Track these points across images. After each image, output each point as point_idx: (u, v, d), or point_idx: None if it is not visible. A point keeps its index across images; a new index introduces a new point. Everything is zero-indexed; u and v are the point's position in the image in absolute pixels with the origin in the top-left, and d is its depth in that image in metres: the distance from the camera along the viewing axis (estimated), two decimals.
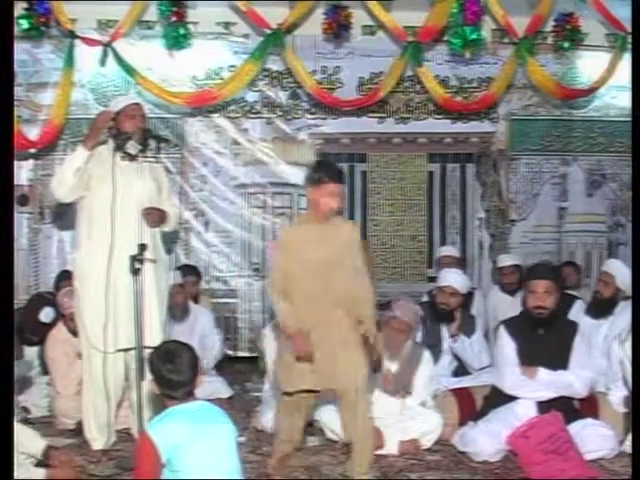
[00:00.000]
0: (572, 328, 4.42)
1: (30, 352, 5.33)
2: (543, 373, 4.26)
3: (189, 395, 2.98)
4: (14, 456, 3.15)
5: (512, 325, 4.46)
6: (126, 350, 4.15)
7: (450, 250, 6.47)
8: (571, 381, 4.27)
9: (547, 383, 4.26)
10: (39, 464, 3.68)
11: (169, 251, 5.00)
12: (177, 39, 5.59)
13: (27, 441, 3.68)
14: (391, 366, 4.54)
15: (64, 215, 5.91)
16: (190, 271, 6.00)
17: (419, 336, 5.10)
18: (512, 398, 4.31)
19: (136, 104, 4.32)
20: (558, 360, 4.29)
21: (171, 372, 2.94)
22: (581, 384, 4.29)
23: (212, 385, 5.31)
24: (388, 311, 4.61)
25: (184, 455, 2.83)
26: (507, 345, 4.39)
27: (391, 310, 4.59)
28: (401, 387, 4.51)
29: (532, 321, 4.35)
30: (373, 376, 4.55)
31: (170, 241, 5.69)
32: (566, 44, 6.15)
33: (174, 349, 3.06)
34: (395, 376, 4.53)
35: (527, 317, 4.39)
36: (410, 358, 4.57)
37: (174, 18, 5.54)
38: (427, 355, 4.65)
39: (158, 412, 3.03)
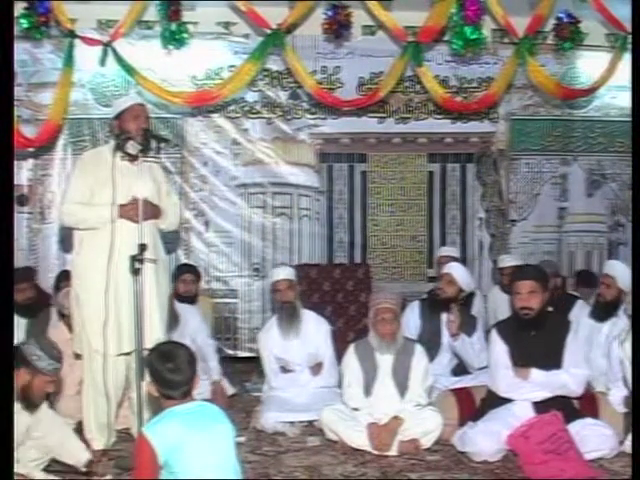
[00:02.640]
0: (564, 327, 4.42)
1: None
2: (536, 374, 4.27)
3: (187, 395, 2.98)
4: (14, 456, 3.15)
5: (503, 327, 4.48)
6: (128, 353, 4.15)
7: (450, 250, 6.47)
8: (565, 380, 4.27)
9: (541, 383, 4.26)
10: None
11: (169, 251, 5.00)
12: (173, 37, 5.58)
13: (73, 450, 3.83)
14: (387, 358, 4.56)
15: None
16: (187, 270, 5.96)
17: (417, 328, 5.15)
18: (508, 400, 4.31)
19: (141, 105, 4.32)
20: (551, 360, 4.29)
21: (170, 372, 2.94)
22: (575, 383, 4.29)
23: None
24: (372, 305, 4.65)
25: (182, 456, 2.83)
26: (499, 347, 4.40)
27: (374, 303, 4.66)
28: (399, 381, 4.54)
29: (521, 322, 4.35)
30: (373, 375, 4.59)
31: (170, 241, 5.68)
32: (566, 44, 6.14)
33: (171, 349, 3.07)
34: (392, 368, 4.56)
35: (517, 319, 4.40)
36: (403, 349, 4.59)
37: (170, 17, 5.52)
38: (419, 348, 4.67)
39: (157, 412, 3.03)
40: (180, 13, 5.57)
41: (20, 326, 5.17)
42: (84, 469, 3.81)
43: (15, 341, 4.94)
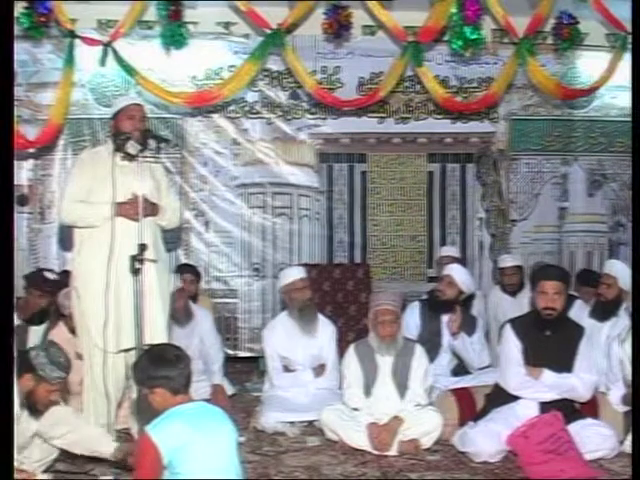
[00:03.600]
0: (578, 331, 4.42)
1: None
2: (548, 375, 4.27)
3: (188, 390, 2.99)
4: (14, 456, 3.15)
5: (519, 325, 4.46)
6: (128, 350, 4.15)
7: (450, 250, 6.48)
8: (575, 385, 4.28)
9: (551, 385, 4.26)
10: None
11: (170, 250, 5.00)
12: (173, 37, 5.58)
13: (103, 441, 3.74)
14: (387, 359, 4.56)
15: None
16: (187, 270, 5.96)
17: (417, 329, 5.15)
18: (514, 397, 4.32)
19: (137, 104, 4.32)
20: (563, 362, 4.30)
21: (169, 369, 2.94)
22: (585, 388, 4.30)
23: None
24: (372, 307, 4.65)
25: (185, 457, 2.83)
26: (513, 345, 4.39)
27: (374, 304, 4.65)
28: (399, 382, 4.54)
29: (540, 322, 4.34)
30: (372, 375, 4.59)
31: (171, 241, 5.68)
32: (566, 44, 6.14)
33: (167, 351, 3.07)
34: (392, 369, 4.55)
35: (535, 318, 4.40)
36: (403, 350, 4.59)
37: (171, 17, 5.52)
38: (419, 348, 4.67)
39: (157, 414, 3.03)
40: (180, 13, 5.56)
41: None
42: (114, 459, 3.70)
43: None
